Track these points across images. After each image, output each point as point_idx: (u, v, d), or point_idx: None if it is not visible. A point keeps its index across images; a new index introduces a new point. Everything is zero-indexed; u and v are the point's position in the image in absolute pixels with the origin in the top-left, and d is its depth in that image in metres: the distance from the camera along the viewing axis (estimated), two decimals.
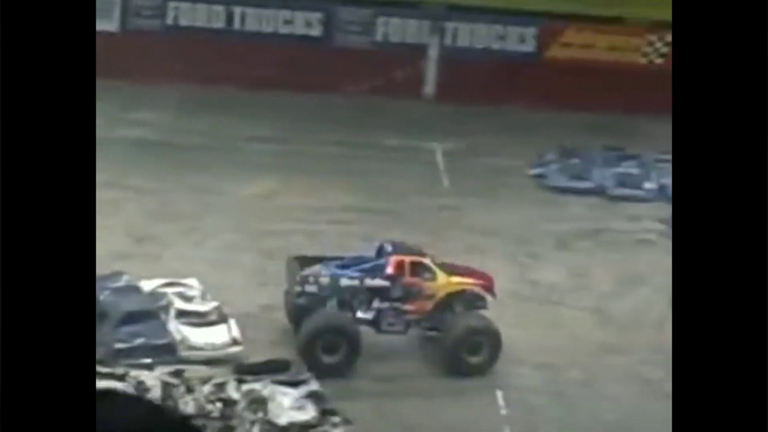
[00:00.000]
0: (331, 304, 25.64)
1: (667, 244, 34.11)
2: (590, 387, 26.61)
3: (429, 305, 26.05)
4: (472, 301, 26.50)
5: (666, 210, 35.19)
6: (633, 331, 29.32)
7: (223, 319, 25.49)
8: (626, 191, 36.19)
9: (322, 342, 24.83)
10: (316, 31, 41.18)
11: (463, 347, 25.53)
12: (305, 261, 26.34)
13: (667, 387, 27.39)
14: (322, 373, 24.10)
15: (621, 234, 34.28)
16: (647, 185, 36.43)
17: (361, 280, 25.83)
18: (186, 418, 2.65)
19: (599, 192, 35.81)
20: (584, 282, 30.62)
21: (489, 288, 26.60)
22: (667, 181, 36.29)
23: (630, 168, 36.83)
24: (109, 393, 3.78)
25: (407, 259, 26.05)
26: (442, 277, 26.18)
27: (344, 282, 25.75)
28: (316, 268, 26.03)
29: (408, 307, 25.92)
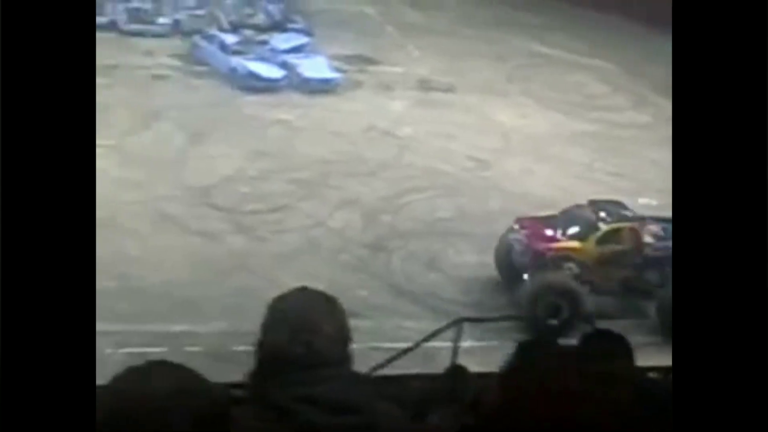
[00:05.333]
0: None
1: (184, 79, 34.33)
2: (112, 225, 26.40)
3: None
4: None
5: (181, 45, 35.22)
6: (152, 167, 29.46)
7: None
8: (139, 26, 35.81)
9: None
10: None
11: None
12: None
13: (189, 222, 27.91)
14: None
15: (137, 69, 34.05)
16: (161, 20, 36.24)
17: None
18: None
19: (111, 27, 35.18)
20: (105, 119, 30.15)
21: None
22: (181, 16, 36.39)
23: (143, 3, 36.42)
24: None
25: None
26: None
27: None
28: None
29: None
